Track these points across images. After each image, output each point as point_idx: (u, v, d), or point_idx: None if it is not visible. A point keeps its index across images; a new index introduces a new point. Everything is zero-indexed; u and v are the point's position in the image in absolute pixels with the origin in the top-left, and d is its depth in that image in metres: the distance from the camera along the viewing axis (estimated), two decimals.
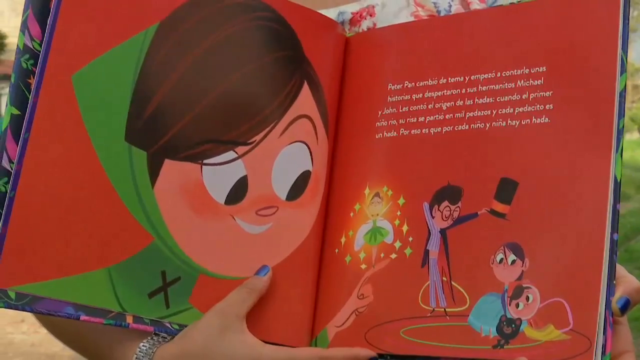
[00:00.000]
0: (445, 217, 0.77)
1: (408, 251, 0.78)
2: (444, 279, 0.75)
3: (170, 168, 0.76)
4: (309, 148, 0.82)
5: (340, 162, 0.85)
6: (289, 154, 0.81)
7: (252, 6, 0.80)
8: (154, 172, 0.76)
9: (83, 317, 0.73)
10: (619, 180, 0.71)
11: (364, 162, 0.83)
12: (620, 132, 0.72)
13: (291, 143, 0.81)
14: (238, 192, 0.79)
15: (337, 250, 0.82)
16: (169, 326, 0.77)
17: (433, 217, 0.77)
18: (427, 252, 0.77)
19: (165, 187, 0.76)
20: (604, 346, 0.68)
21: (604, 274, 0.69)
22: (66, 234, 0.72)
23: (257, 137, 0.79)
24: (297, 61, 0.82)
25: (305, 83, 0.82)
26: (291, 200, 0.81)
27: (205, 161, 0.77)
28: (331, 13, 0.90)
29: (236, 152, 0.79)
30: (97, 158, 0.74)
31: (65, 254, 0.72)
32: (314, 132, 0.83)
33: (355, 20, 0.92)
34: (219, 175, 0.78)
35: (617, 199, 0.71)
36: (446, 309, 0.75)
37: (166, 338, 0.78)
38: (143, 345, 0.77)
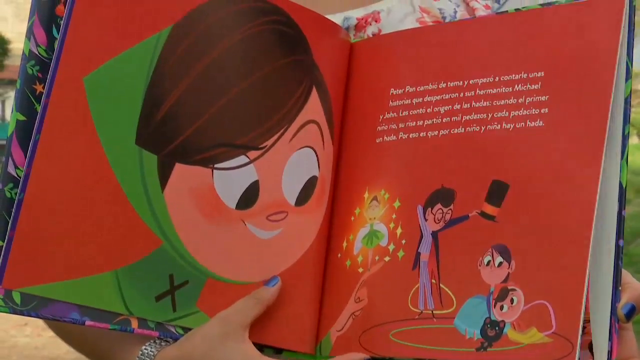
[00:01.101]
0: (438, 220, 0.77)
1: (400, 254, 0.78)
2: (433, 281, 0.76)
3: (181, 172, 0.76)
4: (316, 153, 0.82)
5: (343, 167, 0.85)
6: (297, 159, 0.81)
7: (265, 10, 0.79)
8: (164, 176, 0.75)
9: (88, 323, 0.73)
10: (624, 186, 0.71)
11: (365, 166, 0.83)
12: (626, 138, 0.71)
13: (300, 148, 0.81)
14: (249, 197, 0.78)
15: (339, 255, 0.82)
16: (174, 330, 0.77)
17: (426, 220, 0.77)
18: (418, 255, 0.77)
19: (175, 191, 0.76)
20: (609, 352, 0.68)
21: (605, 280, 0.69)
22: (74, 237, 0.72)
23: (269, 142, 0.79)
24: (307, 66, 0.82)
25: (314, 88, 0.82)
26: (299, 206, 0.81)
27: (216, 165, 0.77)
28: (337, 18, 0.90)
29: (248, 157, 0.78)
30: (107, 161, 0.73)
31: (73, 256, 0.72)
32: (321, 138, 0.83)
33: (360, 26, 0.92)
34: (230, 180, 0.77)
35: (622, 205, 0.71)
36: (433, 311, 0.75)
37: (169, 342, 0.78)
38: (145, 349, 0.77)
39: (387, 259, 0.79)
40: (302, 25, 0.81)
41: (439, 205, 0.77)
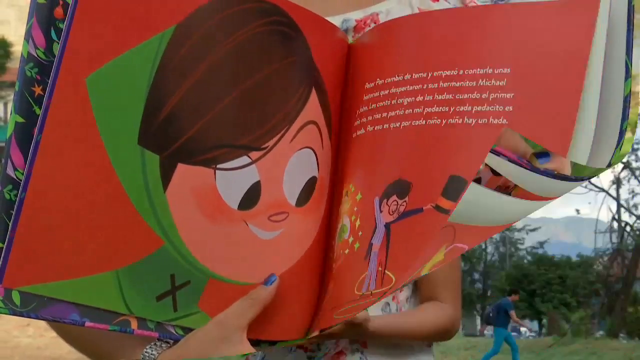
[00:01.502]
0: (392, 212, 0.77)
1: (357, 245, 0.78)
2: (380, 269, 0.76)
3: (183, 172, 0.76)
4: (315, 154, 0.82)
5: (337, 166, 0.85)
6: (298, 160, 0.81)
7: (266, 10, 0.79)
8: (166, 176, 0.75)
9: (88, 324, 0.73)
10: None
11: (344, 162, 0.84)
12: (623, 133, 0.71)
13: (300, 149, 0.81)
14: (251, 197, 0.78)
15: (331, 254, 0.83)
16: (173, 331, 0.77)
17: (381, 212, 0.77)
18: (370, 245, 0.77)
19: (178, 191, 0.75)
20: None
21: None
22: (76, 236, 0.72)
23: (270, 143, 0.79)
24: (306, 67, 0.82)
25: (313, 89, 0.82)
26: (300, 206, 0.81)
27: (218, 166, 0.77)
28: (336, 20, 0.90)
29: (250, 157, 0.78)
30: (109, 161, 0.73)
31: (74, 256, 0.72)
32: (320, 138, 0.83)
33: (359, 27, 0.92)
34: (232, 180, 0.77)
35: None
36: (372, 291, 0.75)
37: (169, 343, 0.78)
38: (146, 351, 0.78)
39: (346, 251, 0.79)
40: (301, 26, 0.81)
41: (394, 197, 0.77)
